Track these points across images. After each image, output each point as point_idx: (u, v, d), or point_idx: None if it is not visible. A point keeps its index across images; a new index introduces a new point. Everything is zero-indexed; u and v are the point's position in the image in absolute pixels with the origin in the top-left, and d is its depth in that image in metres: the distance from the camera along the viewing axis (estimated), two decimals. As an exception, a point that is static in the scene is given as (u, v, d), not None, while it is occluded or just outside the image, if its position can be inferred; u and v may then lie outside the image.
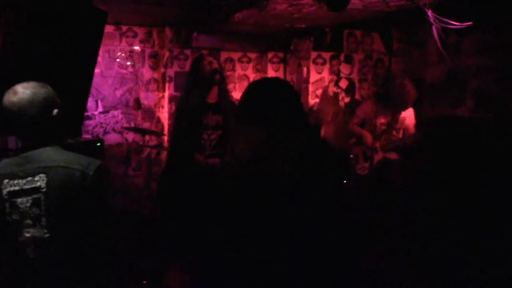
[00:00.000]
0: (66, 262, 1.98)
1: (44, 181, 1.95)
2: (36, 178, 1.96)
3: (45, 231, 1.94)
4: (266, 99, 1.70)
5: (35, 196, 1.94)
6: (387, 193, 4.28)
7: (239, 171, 1.63)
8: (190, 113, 3.97)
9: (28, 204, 1.95)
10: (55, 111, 2.04)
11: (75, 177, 1.98)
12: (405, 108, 4.82)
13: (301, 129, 1.68)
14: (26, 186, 1.96)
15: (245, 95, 1.77)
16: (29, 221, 1.95)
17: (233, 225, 1.51)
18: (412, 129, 4.83)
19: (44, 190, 1.95)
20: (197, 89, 4.01)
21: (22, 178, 1.97)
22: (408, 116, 4.85)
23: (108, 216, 2.06)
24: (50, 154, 2.01)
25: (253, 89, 1.78)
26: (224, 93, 4.11)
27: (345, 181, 4.72)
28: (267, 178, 1.56)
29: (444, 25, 3.53)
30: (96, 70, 6.14)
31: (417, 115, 4.91)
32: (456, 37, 4.75)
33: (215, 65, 4.03)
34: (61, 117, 2.05)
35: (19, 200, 1.95)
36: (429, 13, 3.56)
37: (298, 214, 1.50)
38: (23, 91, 1.96)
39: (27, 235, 1.94)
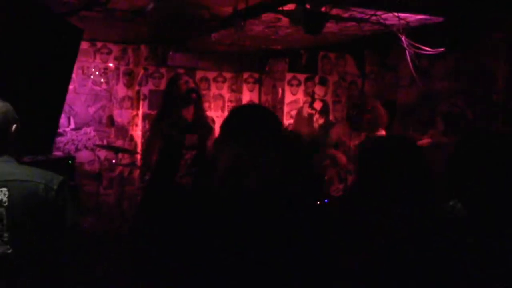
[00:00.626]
0: (28, 278, 1.93)
1: (6, 195, 1.91)
2: None
3: (8, 246, 1.90)
4: (247, 121, 1.79)
5: None
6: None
7: (218, 186, 1.69)
8: (167, 132, 3.95)
9: None
10: (14, 126, 2.02)
11: (39, 191, 1.94)
12: (377, 131, 4.88)
13: (277, 148, 1.72)
14: None
15: (227, 118, 1.87)
16: None
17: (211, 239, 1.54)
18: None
19: (5, 204, 1.90)
20: (173, 109, 4.00)
21: None
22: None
23: (73, 232, 2.02)
24: (9, 168, 1.97)
25: (235, 114, 1.89)
26: (200, 113, 4.10)
27: (318, 202, 4.73)
28: (240, 193, 1.62)
29: (417, 51, 3.62)
30: (70, 87, 6.07)
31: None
32: (427, 62, 4.86)
33: (191, 84, 4.03)
34: (20, 133, 2.03)
35: None
36: (403, 38, 3.65)
37: (266, 230, 1.55)
38: None
39: None
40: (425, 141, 4.60)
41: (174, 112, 3.99)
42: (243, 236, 1.55)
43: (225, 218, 1.59)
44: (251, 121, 1.80)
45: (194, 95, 3.99)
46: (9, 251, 1.89)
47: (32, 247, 1.93)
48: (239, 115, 1.87)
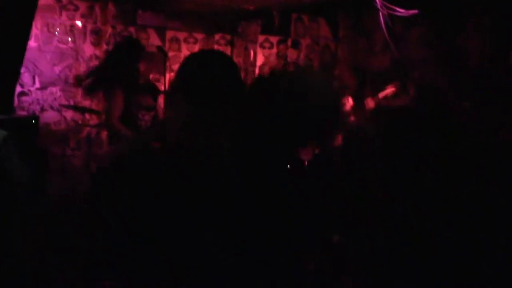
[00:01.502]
0: None
1: None
2: None
3: None
4: (201, 73, 1.60)
5: None
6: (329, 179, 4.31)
7: (168, 146, 1.54)
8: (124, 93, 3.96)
9: None
10: None
11: None
12: (345, 94, 4.87)
13: (236, 104, 1.60)
14: None
15: (180, 68, 1.67)
16: None
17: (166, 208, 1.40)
18: (350, 114, 4.88)
19: None
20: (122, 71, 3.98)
21: None
22: (347, 101, 4.90)
23: (25, 191, 1.92)
24: None
25: (189, 62, 1.67)
26: (147, 76, 4.14)
27: (288, 166, 4.72)
28: (195, 157, 1.47)
29: (390, 12, 3.55)
30: (34, 44, 5.85)
31: (359, 103, 4.96)
32: (402, 28, 4.81)
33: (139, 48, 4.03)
34: None
35: None
36: (377, -1, 3.58)
37: (232, 196, 1.44)
38: None
39: None
40: (388, 90, 4.60)
41: (131, 73, 3.98)
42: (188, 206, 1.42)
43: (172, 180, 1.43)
44: (205, 72, 1.60)
45: (142, 60, 3.99)
46: None
47: None
48: (192, 64, 1.65)
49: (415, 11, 3.54)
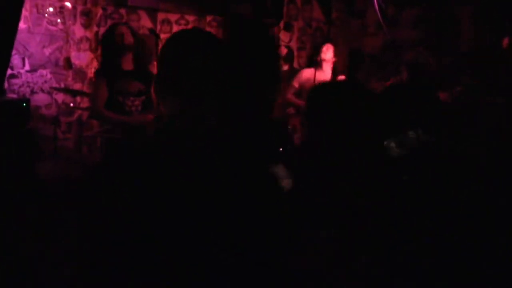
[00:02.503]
0: None
1: None
2: None
3: None
4: (186, 59, 1.39)
5: None
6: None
7: (163, 143, 1.37)
8: (109, 81, 3.93)
9: None
10: None
11: None
12: (336, 75, 4.86)
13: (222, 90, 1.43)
14: None
15: (162, 54, 1.47)
16: None
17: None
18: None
19: None
20: (113, 58, 3.96)
21: None
22: None
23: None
24: None
25: (170, 47, 1.46)
26: (142, 60, 4.04)
27: (280, 149, 4.72)
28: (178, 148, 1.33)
29: (384, -5, 3.53)
30: (23, 26, 5.77)
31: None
32: (394, 10, 4.80)
33: (128, 36, 3.94)
34: None
35: None
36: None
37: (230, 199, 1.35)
38: None
39: None
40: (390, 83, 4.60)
41: (114, 61, 3.95)
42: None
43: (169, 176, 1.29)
44: (190, 57, 1.39)
45: (131, 43, 3.90)
46: None
47: None
48: (175, 50, 1.43)
49: (409, -6, 3.52)
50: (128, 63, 3.99)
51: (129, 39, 3.95)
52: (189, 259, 1.28)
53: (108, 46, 4.01)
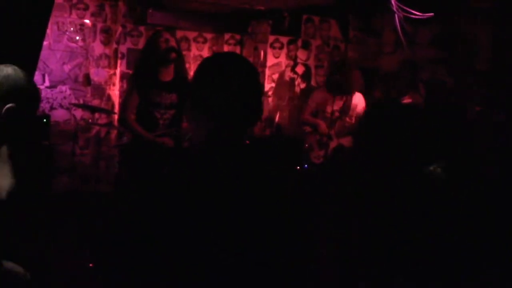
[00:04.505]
0: None
1: None
2: None
3: None
4: (218, 81, 1.44)
5: None
6: (341, 180, 4.31)
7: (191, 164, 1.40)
8: (144, 91, 3.86)
9: None
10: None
11: None
12: (349, 93, 4.85)
13: (252, 122, 1.49)
14: None
15: (195, 75, 1.52)
16: None
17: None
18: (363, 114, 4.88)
19: None
20: (151, 66, 3.88)
21: None
22: (359, 102, 4.90)
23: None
24: None
25: (204, 68, 1.52)
26: (181, 73, 3.99)
27: (297, 168, 4.71)
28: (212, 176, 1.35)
29: (406, 14, 3.55)
30: (44, 43, 5.86)
31: (368, 103, 4.97)
32: (412, 28, 4.81)
33: (172, 43, 3.90)
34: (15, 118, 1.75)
35: None
36: (392, 1, 3.57)
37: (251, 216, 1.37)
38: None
39: None
40: (405, 101, 4.59)
41: (151, 70, 3.87)
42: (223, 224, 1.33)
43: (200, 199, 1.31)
44: (225, 81, 1.44)
45: (173, 54, 3.88)
46: None
47: None
48: (209, 74, 1.48)
49: (430, 14, 3.53)
50: (166, 73, 3.90)
51: (173, 46, 3.87)
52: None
53: (150, 53, 3.90)
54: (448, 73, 4.92)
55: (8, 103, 1.66)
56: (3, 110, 1.66)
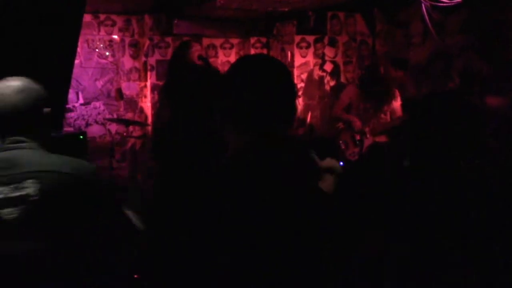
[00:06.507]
0: (63, 275, 1.77)
1: (35, 188, 1.69)
2: (25, 185, 1.69)
3: (37, 243, 1.70)
4: (255, 85, 1.31)
5: (23, 205, 1.68)
6: (378, 178, 4.23)
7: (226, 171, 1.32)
8: (176, 102, 3.89)
9: (15, 215, 1.67)
10: (46, 109, 1.81)
11: (68, 183, 1.73)
12: (389, 92, 4.76)
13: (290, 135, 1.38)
14: (12, 194, 1.68)
15: (227, 82, 1.38)
16: (17, 234, 1.68)
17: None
18: (398, 110, 4.78)
19: (35, 198, 1.69)
20: (182, 77, 3.90)
21: (7, 184, 1.69)
22: (397, 98, 4.80)
23: (111, 221, 1.87)
24: (37, 157, 1.75)
25: (236, 74, 1.38)
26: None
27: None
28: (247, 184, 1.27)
29: (433, 3, 3.48)
30: (76, 61, 5.99)
31: (402, 97, 4.87)
32: (441, 16, 4.70)
33: (201, 52, 3.94)
34: (49, 116, 1.82)
35: (4, 211, 1.67)
36: (419, -10, 3.50)
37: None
38: (15, 85, 1.77)
39: (16, 249, 1.68)
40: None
41: (183, 80, 3.91)
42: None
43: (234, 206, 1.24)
44: (263, 82, 1.32)
45: (202, 63, 3.90)
46: (40, 248, 1.70)
47: (65, 242, 1.75)
48: (246, 77, 1.34)
49: (459, 0, 3.45)
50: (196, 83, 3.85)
51: (201, 55, 3.86)
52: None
53: (178, 64, 3.90)
54: (482, 60, 4.78)
55: (45, 108, 1.82)
56: (45, 112, 1.81)
